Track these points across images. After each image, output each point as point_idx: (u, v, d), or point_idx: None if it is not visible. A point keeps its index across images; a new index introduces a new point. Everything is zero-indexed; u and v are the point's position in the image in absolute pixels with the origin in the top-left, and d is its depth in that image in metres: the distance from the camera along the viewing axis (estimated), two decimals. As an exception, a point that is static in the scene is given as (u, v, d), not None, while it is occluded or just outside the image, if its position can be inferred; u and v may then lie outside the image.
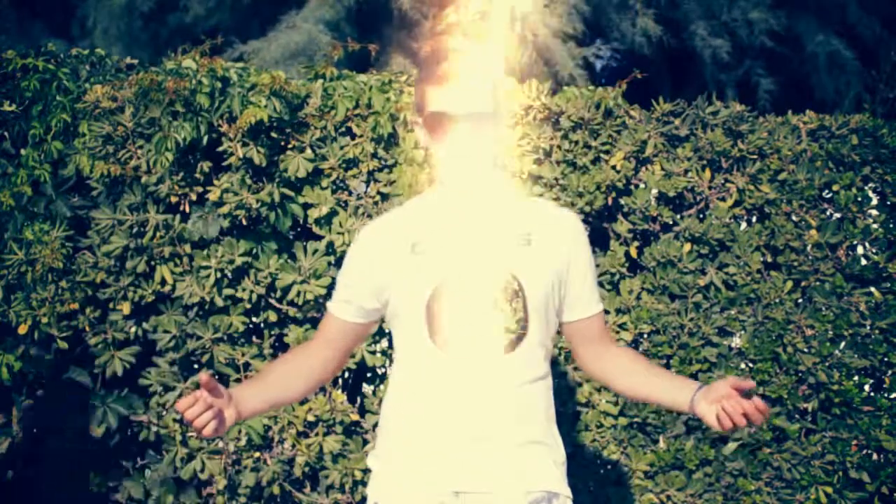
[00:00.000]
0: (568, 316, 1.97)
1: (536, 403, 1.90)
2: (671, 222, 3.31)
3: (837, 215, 3.31)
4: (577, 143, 3.24)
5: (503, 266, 1.87)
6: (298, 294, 3.06)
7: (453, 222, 1.90)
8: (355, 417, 3.14)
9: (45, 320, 3.05)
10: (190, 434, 3.12)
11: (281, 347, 3.20)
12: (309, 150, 3.09)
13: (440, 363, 1.86)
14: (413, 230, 1.93)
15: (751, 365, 3.26)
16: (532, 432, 1.89)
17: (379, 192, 3.15)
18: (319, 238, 3.13)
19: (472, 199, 1.91)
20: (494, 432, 1.85)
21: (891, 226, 3.31)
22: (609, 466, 3.23)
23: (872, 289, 3.27)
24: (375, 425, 3.14)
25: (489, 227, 1.90)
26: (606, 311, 3.21)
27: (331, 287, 3.11)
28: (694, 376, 3.25)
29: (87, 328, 3.10)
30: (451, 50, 1.86)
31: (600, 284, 3.23)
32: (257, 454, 3.11)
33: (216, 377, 3.12)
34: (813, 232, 3.26)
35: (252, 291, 3.08)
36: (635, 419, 3.22)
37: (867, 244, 3.31)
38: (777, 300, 3.24)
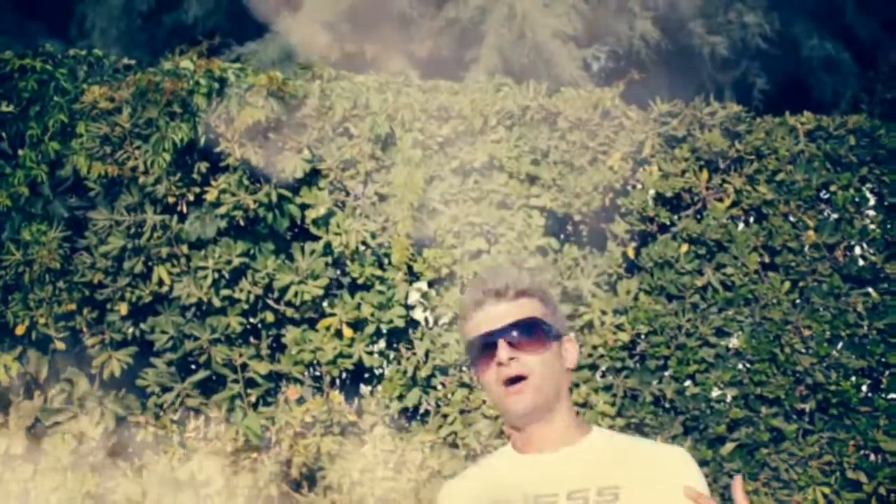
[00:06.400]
0: None
1: None
2: (668, 223, 3.31)
3: (835, 216, 3.31)
4: (574, 143, 3.24)
5: None
6: (296, 294, 3.05)
7: (532, 479, 1.72)
8: (352, 418, 3.13)
9: (42, 321, 3.05)
10: (188, 435, 3.11)
11: (278, 348, 3.19)
12: (306, 151, 3.09)
13: None
14: (491, 492, 1.76)
15: (748, 365, 3.26)
16: None
17: (377, 193, 3.15)
18: (317, 239, 3.13)
19: (550, 445, 1.72)
20: None
21: (888, 226, 3.32)
22: (606, 467, 3.22)
23: (870, 289, 3.28)
24: (373, 426, 3.14)
25: (570, 481, 1.69)
26: (603, 312, 3.21)
27: (328, 287, 3.11)
28: (691, 377, 3.26)
29: (85, 329, 3.10)
30: (477, 291, 1.68)
31: (597, 285, 3.23)
32: (255, 455, 3.11)
33: (214, 378, 3.13)
34: (810, 232, 3.27)
35: (249, 292, 3.08)
36: (633, 419, 3.21)
37: (864, 245, 3.31)
38: (774, 301, 3.24)
